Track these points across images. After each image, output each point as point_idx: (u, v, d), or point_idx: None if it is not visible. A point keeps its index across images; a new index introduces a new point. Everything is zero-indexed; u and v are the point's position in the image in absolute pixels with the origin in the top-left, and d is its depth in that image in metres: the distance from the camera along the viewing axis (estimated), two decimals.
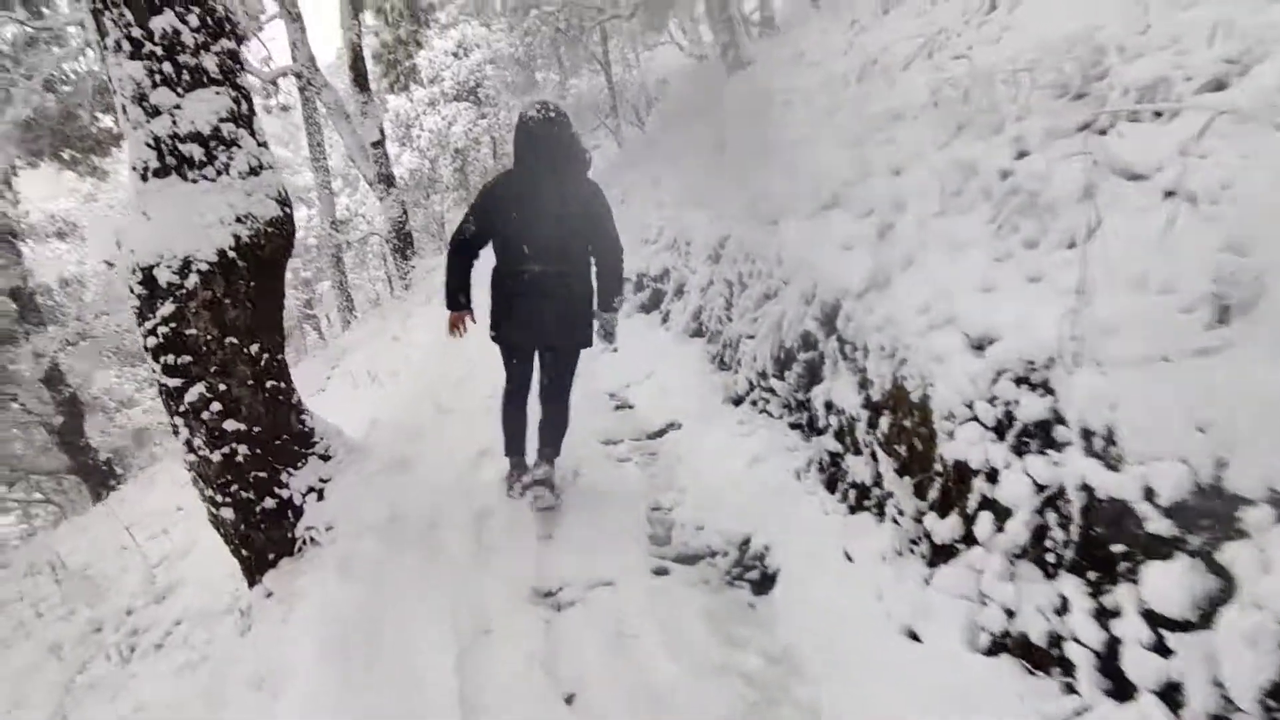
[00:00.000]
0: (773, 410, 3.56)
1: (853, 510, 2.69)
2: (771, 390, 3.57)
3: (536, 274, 2.97)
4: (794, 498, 2.96)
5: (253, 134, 2.95)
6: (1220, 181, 2.01)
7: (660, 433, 4.01)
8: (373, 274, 22.78)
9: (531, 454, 3.37)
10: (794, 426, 3.38)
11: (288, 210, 3.07)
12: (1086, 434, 1.79)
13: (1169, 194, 2.15)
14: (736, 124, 6.92)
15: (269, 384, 3.04)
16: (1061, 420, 1.88)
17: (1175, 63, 2.50)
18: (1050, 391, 1.94)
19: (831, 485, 2.89)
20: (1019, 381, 2.03)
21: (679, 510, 3.16)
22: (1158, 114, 2.51)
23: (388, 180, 10.57)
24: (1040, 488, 1.90)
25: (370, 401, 5.22)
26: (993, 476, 2.06)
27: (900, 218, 2.94)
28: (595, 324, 3.22)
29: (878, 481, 2.58)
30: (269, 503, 3.08)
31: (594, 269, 3.13)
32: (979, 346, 2.19)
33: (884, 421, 2.54)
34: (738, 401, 3.94)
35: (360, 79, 10.37)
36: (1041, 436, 1.95)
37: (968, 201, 2.75)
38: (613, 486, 3.42)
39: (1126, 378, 1.74)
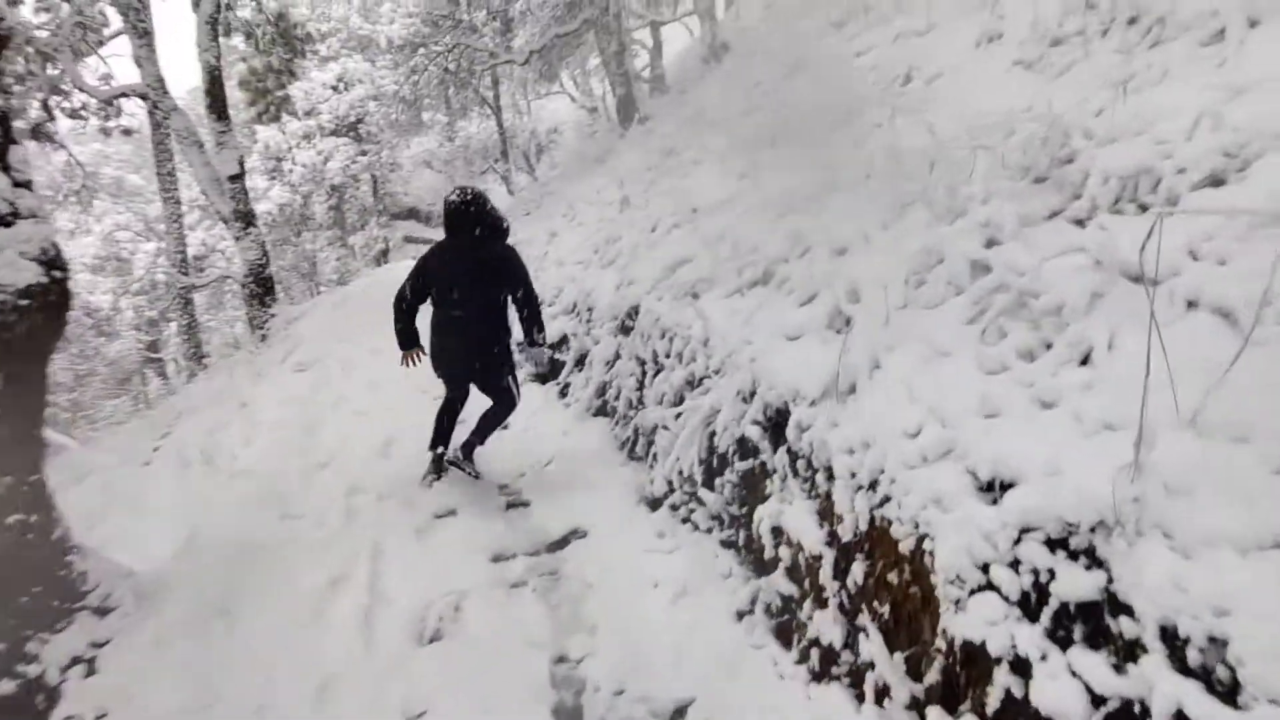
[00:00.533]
0: (699, 521, 2.98)
1: (817, 677, 2.13)
2: (698, 498, 3.00)
3: (457, 319, 3.71)
4: (738, 650, 2.37)
5: (4, 170, 2.10)
6: (1259, 295, 1.66)
7: (562, 542, 3.33)
8: (231, 314, 20.62)
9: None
10: (727, 545, 2.81)
11: (57, 275, 2.21)
12: (1170, 637, 1.32)
13: (1191, 304, 1.80)
14: (640, 180, 6.49)
15: (12, 519, 2.12)
16: (1124, 608, 1.41)
17: (1160, 151, 2.21)
18: (1099, 564, 1.48)
19: (785, 637, 2.33)
20: (1053, 546, 1.55)
21: (590, 663, 2.48)
22: (1142, 207, 2.23)
23: (246, 218, 9.35)
24: (1098, 699, 1.41)
25: (196, 496, 4.19)
26: (1022, 668, 1.56)
27: (855, 308, 2.49)
28: (520, 354, 4.09)
29: (850, 643, 2.04)
30: (4, 686, 2.13)
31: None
32: (988, 488, 1.71)
33: (858, 568, 2.01)
34: (654, 504, 3.34)
35: (218, 105, 9.19)
36: (1092, 624, 1.47)
37: (935, 293, 2.34)
38: (506, 627, 2.70)
39: (1224, 565, 1.29)
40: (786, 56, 7.09)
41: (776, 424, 2.50)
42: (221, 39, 14.62)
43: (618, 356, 4.31)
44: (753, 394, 2.64)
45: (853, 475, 2.03)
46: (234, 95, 23.00)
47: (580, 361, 4.83)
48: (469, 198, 3.62)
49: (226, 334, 20.14)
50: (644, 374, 3.83)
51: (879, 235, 2.83)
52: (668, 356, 3.57)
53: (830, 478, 2.16)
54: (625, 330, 4.27)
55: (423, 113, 19.25)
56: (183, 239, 13.58)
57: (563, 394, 4.94)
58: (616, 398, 4.20)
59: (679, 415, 3.09)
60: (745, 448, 2.66)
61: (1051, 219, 2.39)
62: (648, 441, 3.63)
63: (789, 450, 2.39)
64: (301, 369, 6.64)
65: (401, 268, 15.71)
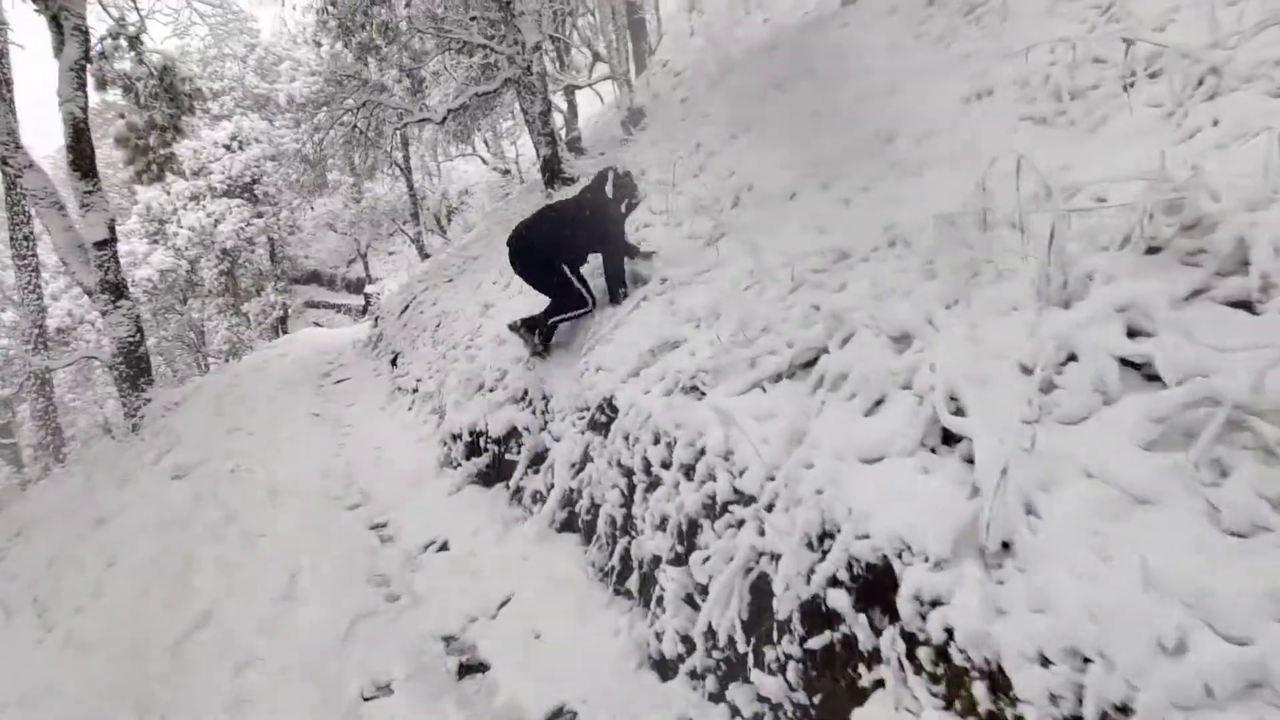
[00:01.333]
0: (741, 705, 2.19)
1: None
2: (739, 671, 2.22)
3: None
4: None
5: None
6: None
7: None
8: (102, 390, 18.19)
9: None
10: None
11: None
12: None
13: None
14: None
15: None
16: None
17: None
18: None
19: None
20: None
21: None
22: None
23: (116, 289, 7.98)
24: None
25: (8, 682, 3.02)
26: None
27: (963, 422, 1.83)
28: None
29: None
30: None
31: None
32: None
33: None
34: (665, 668, 2.52)
35: (84, 162, 7.90)
36: None
37: (1077, 403, 1.72)
38: None
39: None
40: (730, 117, 6.70)
41: (872, 586, 1.78)
42: (98, 93, 13.17)
43: (587, 459, 3.51)
44: (825, 537, 1.92)
45: (1054, 700, 1.32)
46: (110, 153, 20.98)
47: (535, 461, 3.98)
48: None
49: (96, 414, 17.70)
50: (631, 486, 3.04)
51: (945, 317, 2.23)
52: (665, 467, 2.80)
53: (996, 691, 1.44)
54: (597, 427, 3.48)
55: (327, 173, 18.06)
56: (42, 311, 11.80)
57: (515, 499, 4.05)
58: (591, 512, 3.37)
59: (705, 558, 2.32)
60: (819, 615, 1.92)
61: (1193, 299, 1.85)
62: (644, 577, 2.83)
63: (903, 632, 1.67)
64: (179, 475, 5.41)
65: (305, 336, 14.20)
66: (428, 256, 17.16)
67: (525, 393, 4.25)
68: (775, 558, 2.04)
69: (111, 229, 8.18)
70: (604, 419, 3.44)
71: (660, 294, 4.00)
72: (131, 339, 8.19)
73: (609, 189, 4.23)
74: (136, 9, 11.45)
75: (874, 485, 1.86)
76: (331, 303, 25.51)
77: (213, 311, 19.27)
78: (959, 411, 1.87)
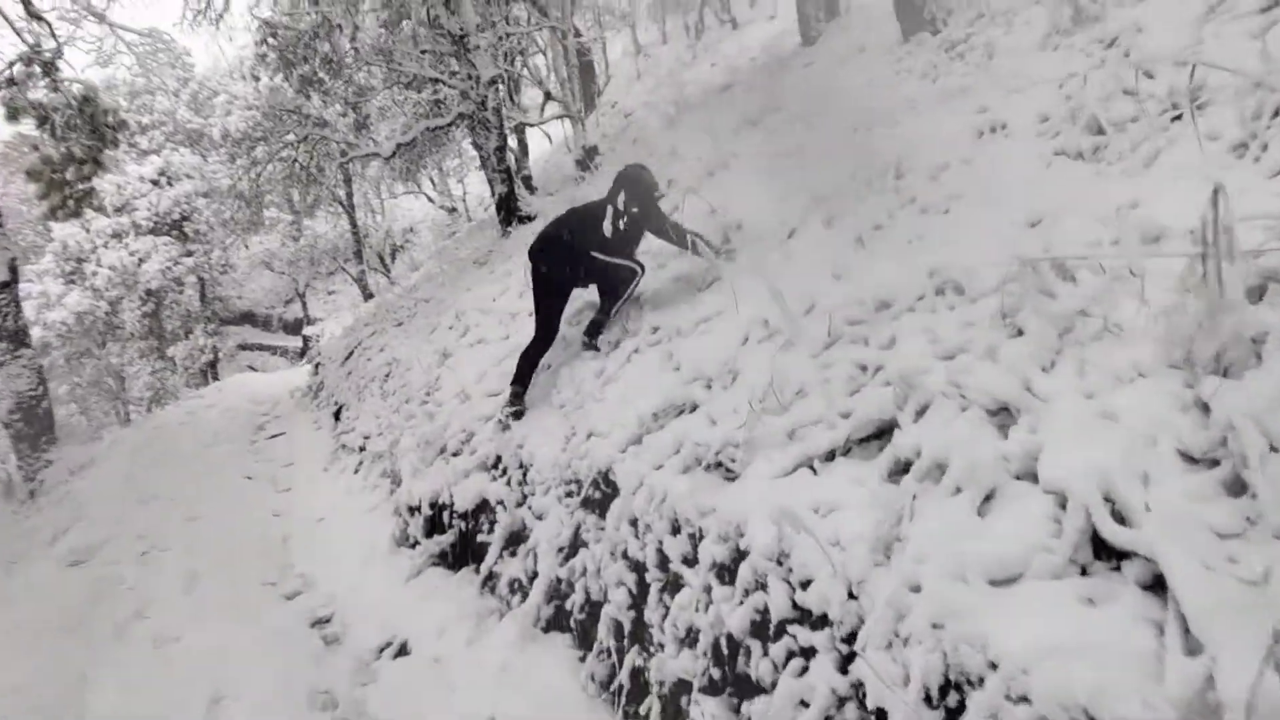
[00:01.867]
0: None
1: None
2: None
3: None
4: None
5: None
6: None
7: None
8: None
9: None
10: None
11: None
12: None
13: None
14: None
15: None
16: None
17: None
18: None
19: None
20: None
21: None
22: None
23: (15, 337, 7.02)
24: None
25: None
26: None
27: (1125, 533, 1.38)
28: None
29: None
30: None
31: None
32: None
33: None
34: None
35: None
36: None
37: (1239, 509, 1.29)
38: None
39: None
40: (702, 154, 6.35)
41: None
42: (9, 123, 12.06)
43: (579, 543, 2.94)
44: (950, 688, 1.42)
45: None
46: (24, 188, 19.44)
47: (513, 542, 3.39)
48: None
49: None
50: (643, 585, 2.49)
51: (1047, 384, 1.80)
52: (688, 564, 2.28)
53: None
54: (590, 505, 2.93)
55: (264, 210, 17.08)
56: None
57: (488, 587, 3.43)
58: (586, 609, 2.80)
59: (766, 684, 1.78)
60: None
61: None
62: (666, 704, 2.26)
63: None
64: (78, 560, 4.55)
65: (237, 383, 13.03)
66: (371, 296, 16.30)
67: (498, 459, 3.66)
68: (879, 716, 1.52)
69: (13, 269, 7.24)
70: (600, 496, 2.89)
71: (654, 345, 3.51)
72: (32, 393, 7.20)
73: (627, 190, 3.94)
74: (54, 35, 10.54)
75: (1018, 620, 1.37)
76: (267, 345, 24.11)
77: (134, 356, 17.82)
78: (1119, 517, 1.42)
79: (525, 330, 4.95)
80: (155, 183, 17.88)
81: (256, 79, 14.12)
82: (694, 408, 2.78)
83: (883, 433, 2.07)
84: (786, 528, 1.88)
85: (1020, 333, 2.01)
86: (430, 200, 22.62)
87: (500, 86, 9.35)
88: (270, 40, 11.56)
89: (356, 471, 5.47)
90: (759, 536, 1.98)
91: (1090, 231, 2.38)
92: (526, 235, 8.72)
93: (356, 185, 18.07)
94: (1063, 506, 1.50)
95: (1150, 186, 2.51)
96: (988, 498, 1.64)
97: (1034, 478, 1.62)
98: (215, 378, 16.83)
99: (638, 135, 11.05)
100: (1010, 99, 3.76)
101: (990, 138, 3.54)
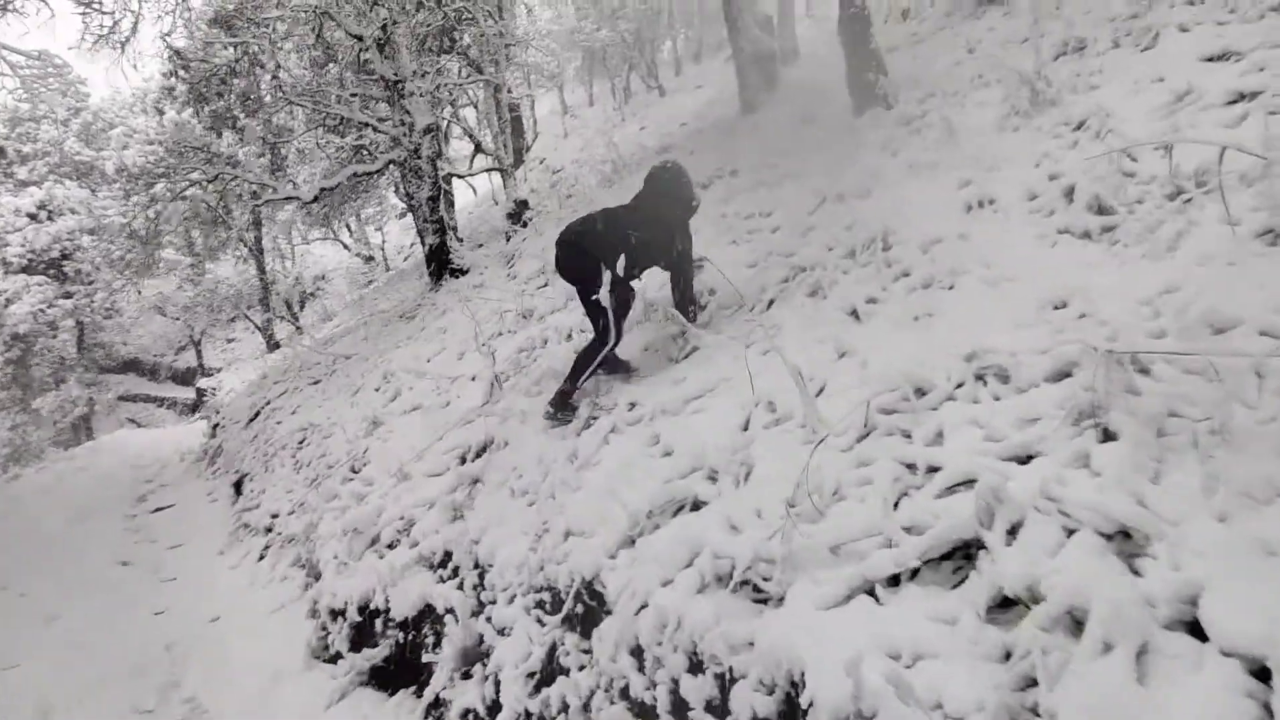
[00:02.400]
0: None
1: None
2: None
3: None
4: None
5: None
6: None
7: None
8: None
9: None
10: None
11: None
12: None
13: None
14: (506, 352, 4.79)
15: None
16: None
17: None
18: None
19: None
20: None
21: None
22: None
23: None
24: None
25: None
26: None
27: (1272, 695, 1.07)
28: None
29: None
30: None
31: None
32: None
33: None
34: None
35: None
36: None
37: None
38: None
39: None
40: None
41: None
42: None
43: (555, 668, 2.42)
44: None
45: None
46: None
47: (467, 661, 2.81)
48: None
49: None
50: None
51: (1170, 503, 1.51)
52: (716, 715, 1.82)
53: None
54: (572, 621, 2.43)
55: (161, 251, 15.66)
56: None
57: (434, 717, 2.81)
58: None
59: None
60: None
61: None
62: None
63: None
64: None
65: (117, 441, 11.34)
66: (278, 345, 15.08)
67: (447, 556, 3.09)
68: None
69: None
70: (583, 610, 2.40)
71: (634, 424, 3.09)
72: None
73: (664, 194, 3.60)
74: None
75: None
76: (154, 396, 21.91)
77: None
78: (1264, 680, 1.11)
79: (469, 395, 4.43)
80: (33, 216, 16.13)
81: (161, 112, 13.08)
82: (697, 505, 2.37)
83: (956, 551, 1.73)
84: (868, 679, 1.48)
85: (1108, 435, 1.73)
86: (346, 247, 21.58)
87: (435, 135, 8.92)
88: (181, 73, 10.70)
89: (261, 558, 4.67)
90: (824, 689, 1.57)
91: (1135, 318, 2.19)
92: (460, 288, 8.19)
93: (266, 229, 16.94)
94: (1260, 677, 1.18)
95: (1180, 271, 2.36)
96: (1140, 652, 1.31)
97: (1190, 628, 1.30)
98: (90, 435, 14.97)
99: (572, 191, 10.83)
100: (992, 175, 3.67)
101: (980, 212, 3.41)
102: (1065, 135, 3.78)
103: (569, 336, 4.44)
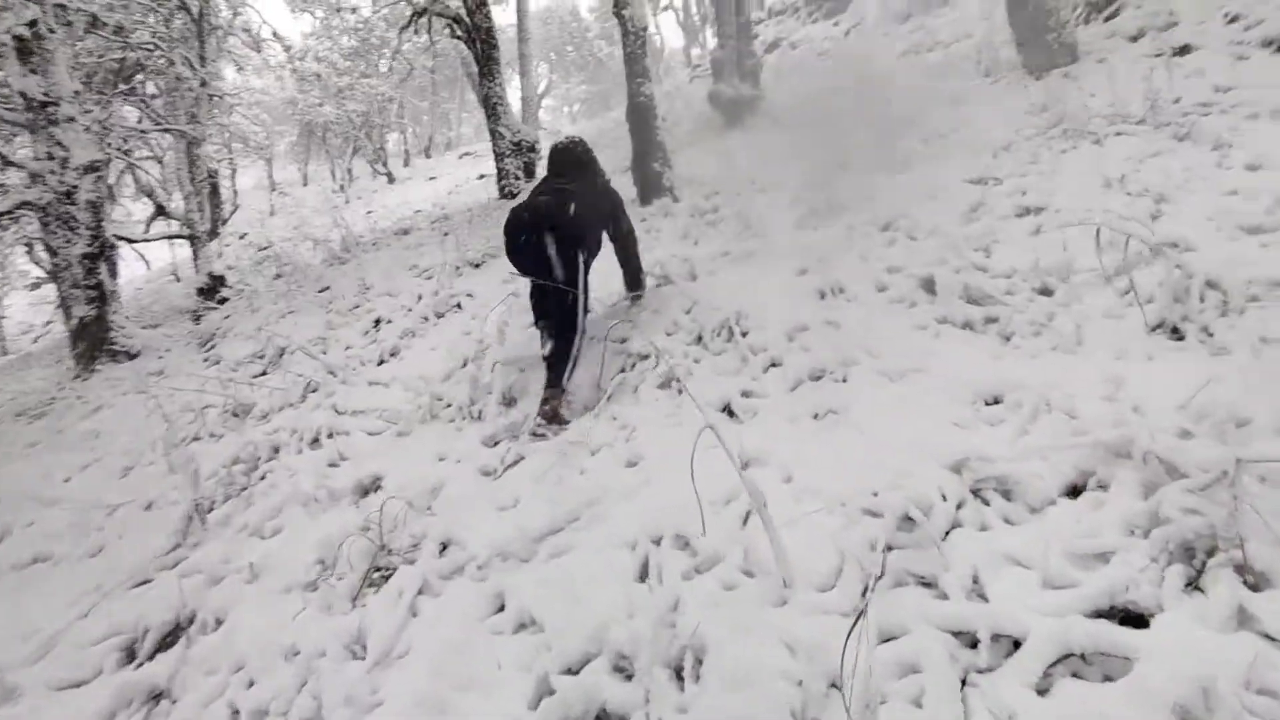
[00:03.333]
0: None
1: None
2: None
3: None
4: None
5: None
6: None
7: None
8: None
9: None
10: None
11: None
12: None
13: None
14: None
15: None
16: None
17: None
18: None
19: None
20: None
21: None
22: None
23: None
24: None
25: None
26: None
27: None
28: None
29: None
30: None
31: None
32: None
33: None
34: None
35: None
36: None
37: None
38: None
39: None
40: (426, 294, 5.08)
41: None
42: None
43: None
44: None
45: None
46: None
47: None
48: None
49: None
50: None
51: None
52: None
53: None
54: None
55: None
56: None
57: None
58: None
59: None
60: None
61: None
62: None
63: None
64: None
65: None
66: None
67: None
68: None
69: None
70: None
71: (453, 576, 2.02)
72: None
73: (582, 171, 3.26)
74: None
75: None
76: None
77: None
78: None
79: (142, 535, 2.83)
80: None
81: None
82: None
83: None
84: None
85: (1245, 573, 1.26)
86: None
87: (100, 178, 6.76)
88: None
89: None
90: None
91: (1115, 414, 1.87)
92: (128, 375, 5.97)
93: None
94: None
95: (1112, 365, 2.16)
96: None
97: None
98: None
99: (282, 271, 9.13)
100: (826, 265, 3.45)
101: (835, 300, 3.11)
102: (875, 235, 3.78)
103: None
